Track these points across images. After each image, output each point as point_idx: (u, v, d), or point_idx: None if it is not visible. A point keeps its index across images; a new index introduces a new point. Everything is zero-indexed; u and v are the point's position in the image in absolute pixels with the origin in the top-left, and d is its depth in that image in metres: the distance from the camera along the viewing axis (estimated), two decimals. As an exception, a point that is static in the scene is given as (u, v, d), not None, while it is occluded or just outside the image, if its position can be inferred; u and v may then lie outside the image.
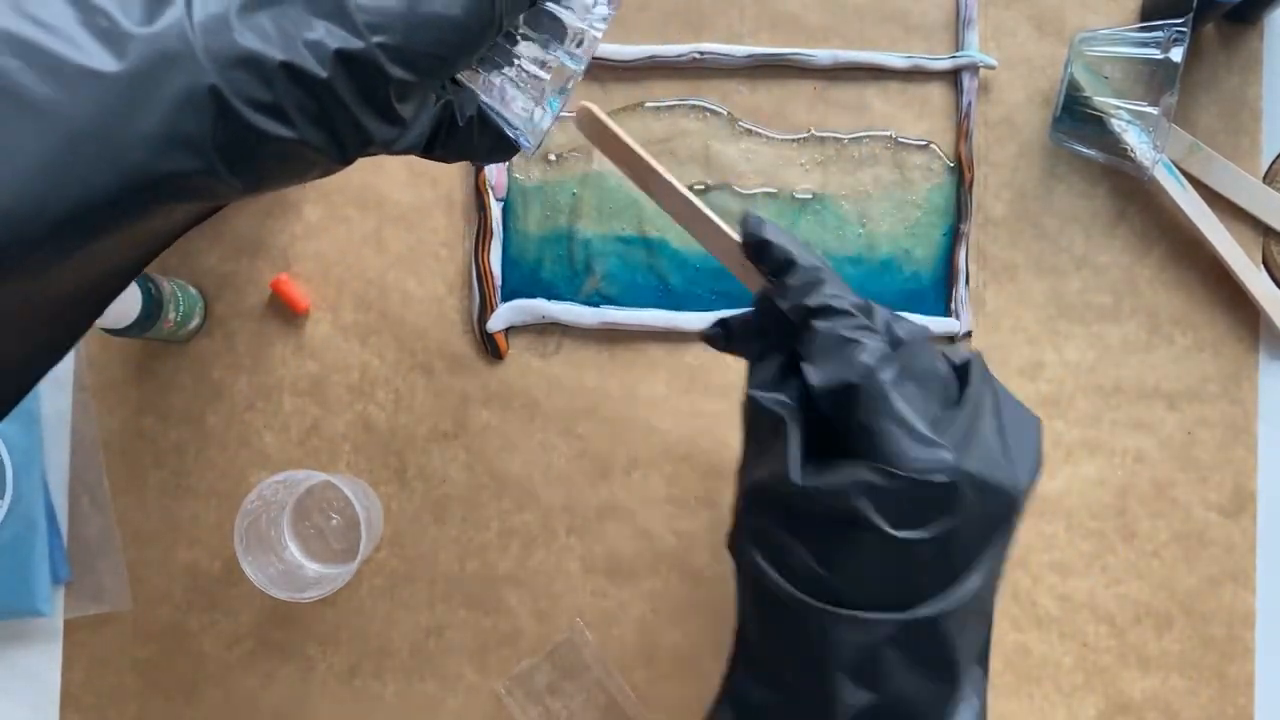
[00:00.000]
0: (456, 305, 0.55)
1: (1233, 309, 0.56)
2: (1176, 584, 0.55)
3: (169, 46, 0.26)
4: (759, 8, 0.56)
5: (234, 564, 0.50)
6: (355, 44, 0.28)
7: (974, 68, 0.55)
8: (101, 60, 0.26)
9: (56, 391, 0.55)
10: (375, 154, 0.32)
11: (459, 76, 0.36)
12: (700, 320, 0.55)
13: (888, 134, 0.56)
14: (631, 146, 0.41)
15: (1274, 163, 0.56)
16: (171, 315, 0.51)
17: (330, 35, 0.28)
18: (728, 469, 0.55)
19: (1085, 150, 0.54)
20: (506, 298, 0.55)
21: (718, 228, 0.40)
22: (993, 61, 0.55)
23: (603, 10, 0.36)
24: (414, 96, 0.31)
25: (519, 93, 0.36)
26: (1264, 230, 0.56)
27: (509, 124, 0.37)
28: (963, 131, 0.55)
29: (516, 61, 0.36)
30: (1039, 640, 0.55)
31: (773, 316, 0.38)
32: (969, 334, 0.55)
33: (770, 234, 0.38)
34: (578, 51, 0.36)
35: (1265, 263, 0.56)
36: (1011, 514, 0.34)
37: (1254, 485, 0.55)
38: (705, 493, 0.55)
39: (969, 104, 0.55)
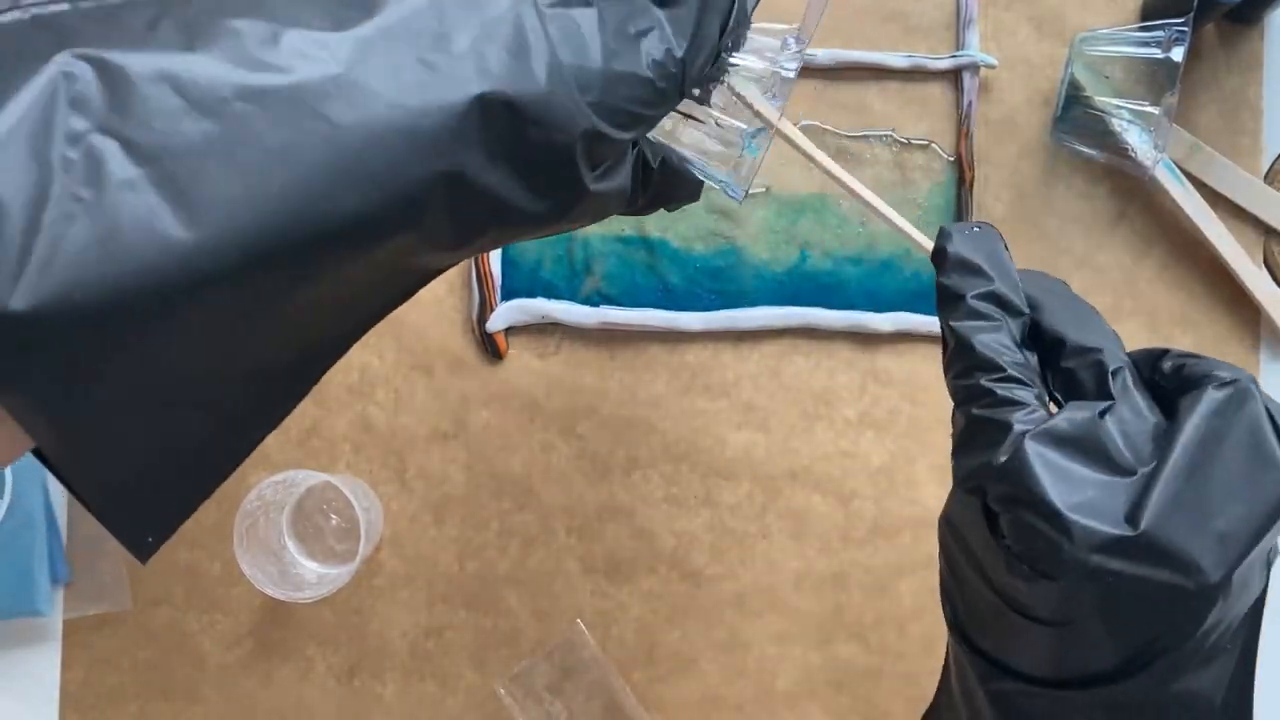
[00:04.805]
0: (456, 305, 0.55)
1: (1233, 309, 0.56)
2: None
3: None
4: (760, 8, 0.56)
5: (234, 564, 0.50)
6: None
7: (974, 67, 0.55)
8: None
9: (56, 391, 0.55)
10: (586, 214, 0.32)
11: (657, 136, 0.36)
12: (700, 320, 0.55)
13: (888, 133, 0.56)
14: (810, 152, 0.39)
15: (1275, 162, 0.56)
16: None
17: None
18: (727, 469, 0.55)
19: (1086, 150, 0.54)
20: (506, 297, 0.55)
21: (899, 227, 0.38)
22: (993, 61, 0.55)
23: (792, 51, 0.36)
24: (612, 152, 0.32)
25: (717, 144, 0.36)
26: (1265, 230, 0.56)
27: (712, 176, 0.37)
28: (963, 131, 0.55)
29: (711, 116, 0.36)
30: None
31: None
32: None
33: (952, 252, 0.34)
34: (772, 99, 0.36)
35: (1266, 263, 0.56)
36: (1192, 604, 0.28)
37: (1254, 485, 0.55)
38: (705, 493, 0.55)
39: (969, 104, 0.55)
